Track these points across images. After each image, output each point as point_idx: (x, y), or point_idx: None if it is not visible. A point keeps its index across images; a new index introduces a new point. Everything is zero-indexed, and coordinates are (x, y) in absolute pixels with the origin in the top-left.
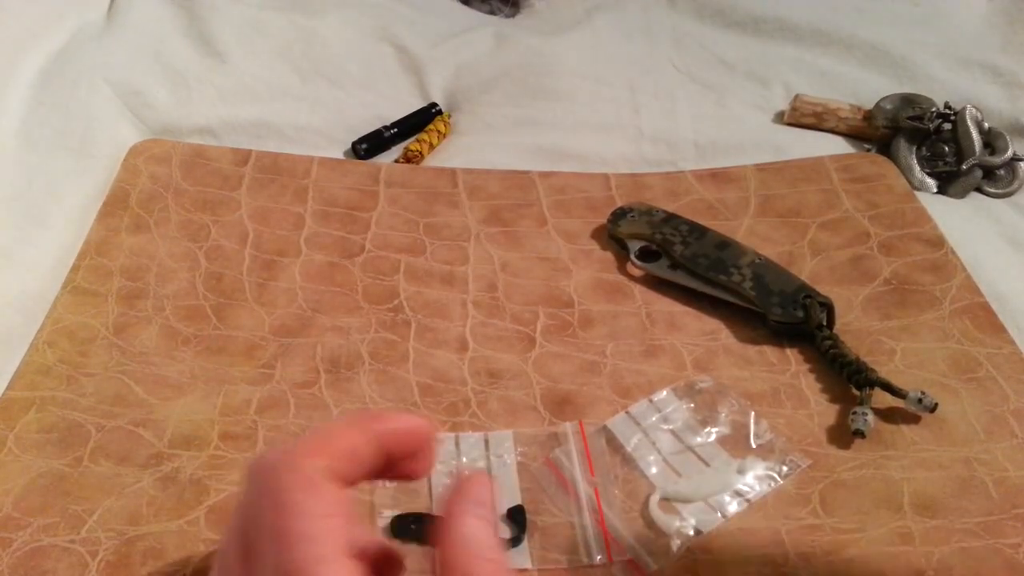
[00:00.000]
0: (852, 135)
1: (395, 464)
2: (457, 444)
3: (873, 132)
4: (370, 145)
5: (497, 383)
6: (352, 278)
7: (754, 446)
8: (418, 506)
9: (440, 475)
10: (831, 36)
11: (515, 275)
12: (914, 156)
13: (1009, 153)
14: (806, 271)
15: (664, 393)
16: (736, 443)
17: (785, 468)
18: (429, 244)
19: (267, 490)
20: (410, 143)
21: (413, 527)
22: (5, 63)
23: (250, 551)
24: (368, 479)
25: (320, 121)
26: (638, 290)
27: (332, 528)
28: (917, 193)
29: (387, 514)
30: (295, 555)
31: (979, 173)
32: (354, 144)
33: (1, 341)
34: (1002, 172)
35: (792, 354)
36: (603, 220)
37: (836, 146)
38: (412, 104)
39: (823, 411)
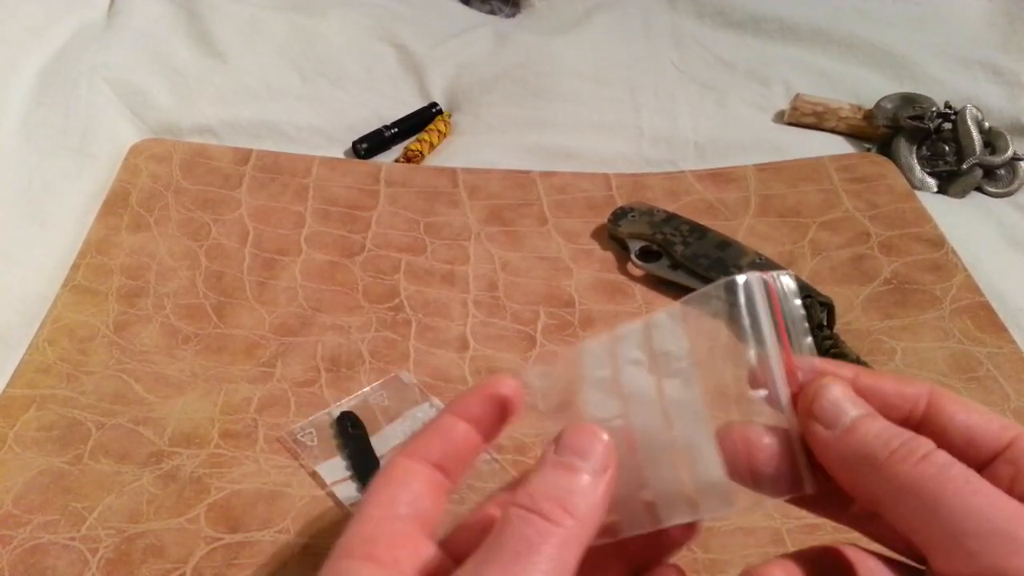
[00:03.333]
0: (852, 135)
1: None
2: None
3: (873, 132)
4: (370, 145)
5: None
6: (352, 277)
7: None
8: None
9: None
10: (831, 36)
11: (515, 274)
12: (914, 156)
13: (1009, 152)
14: (806, 271)
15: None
16: None
17: None
18: (429, 243)
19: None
20: (410, 143)
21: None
22: (5, 63)
23: None
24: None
25: (320, 121)
26: (638, 290)
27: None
28: (917, 193)
29: None
30: None
31: (979, 172)
32: (354, 144)
33: (1, 339)
34: (1002, 171)
35: None
36: (603, 220)
37: (836, 146)
38: (412, 104)
39: None
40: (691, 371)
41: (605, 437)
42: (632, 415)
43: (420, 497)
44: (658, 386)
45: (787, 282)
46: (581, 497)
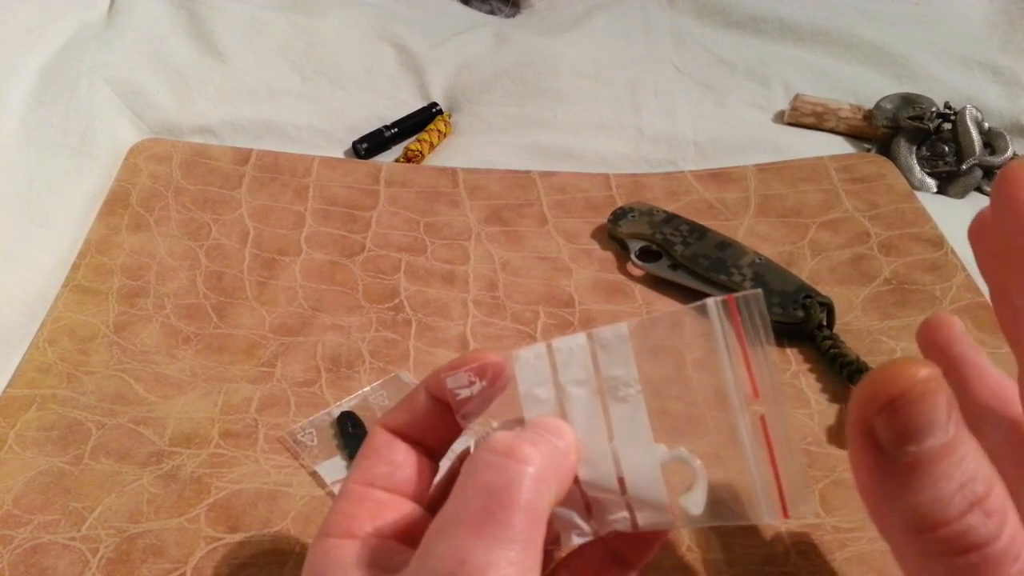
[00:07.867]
0: (852, 135)
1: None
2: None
3: (873, 132)
4: (370, 144)
5: None
6: (352, 277)
7: None
8: None
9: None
10: (831, 36)
11: (515, 274)
12: (914, 156)
13: (1009, 153)
14: (806, 271)
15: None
16: None
17: None
18: (429, 243)
19: None
20: (410, 143)
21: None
22: (5, 63)
23: None
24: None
25: (320, 120)
26: (638, 290)
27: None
28: (917, 193)
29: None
30: None
31: (979, 173)
32: (354, 143)
33: (2, 339)
34: None
35: (792, 354)
36: (603, 220)
37: (836, 146)
38: (412, 104)
39: (823, 411)
40: (639, 398)
41: (572, 431)
42: (578, 433)
43: (399, 467)
44: (604, 410)
45: (754, 302)
46: (551, 444)
